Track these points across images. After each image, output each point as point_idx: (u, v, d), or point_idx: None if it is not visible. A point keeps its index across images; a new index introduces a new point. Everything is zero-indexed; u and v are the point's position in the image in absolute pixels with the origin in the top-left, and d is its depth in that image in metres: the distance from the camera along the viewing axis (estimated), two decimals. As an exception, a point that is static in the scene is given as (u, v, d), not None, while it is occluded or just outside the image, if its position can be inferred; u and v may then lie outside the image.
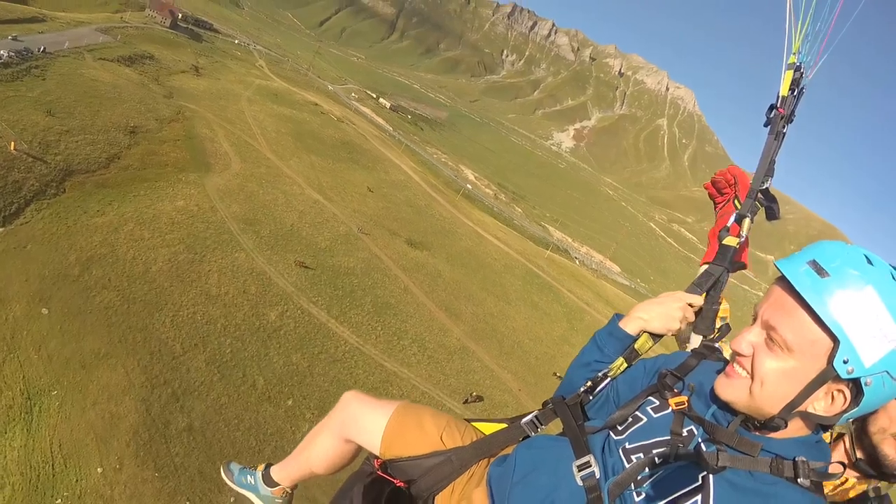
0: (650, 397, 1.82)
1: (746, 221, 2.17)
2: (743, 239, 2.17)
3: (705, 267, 2.19)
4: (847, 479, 2.02)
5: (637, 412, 1.79)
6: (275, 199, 58.86)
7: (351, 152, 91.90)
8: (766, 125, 2.22)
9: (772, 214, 2.26)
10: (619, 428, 1.78)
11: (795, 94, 2.19)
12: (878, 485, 2.01)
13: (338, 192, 72.40)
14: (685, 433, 1.63)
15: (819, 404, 1.45)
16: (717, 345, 2.03)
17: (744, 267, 2.22)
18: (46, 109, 51.55)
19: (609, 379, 1.99)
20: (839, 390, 1.41)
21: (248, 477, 2.93)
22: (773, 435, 1.52)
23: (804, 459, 1.43)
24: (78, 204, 43.04)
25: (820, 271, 1.37)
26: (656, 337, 2.02)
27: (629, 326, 2.03)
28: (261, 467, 2.91)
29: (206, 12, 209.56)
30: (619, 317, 2.09)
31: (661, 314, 2.01)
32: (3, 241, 35.83)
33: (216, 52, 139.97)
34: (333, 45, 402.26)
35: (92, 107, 57.88)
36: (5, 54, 57.39)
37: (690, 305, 2.03)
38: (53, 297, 32.78)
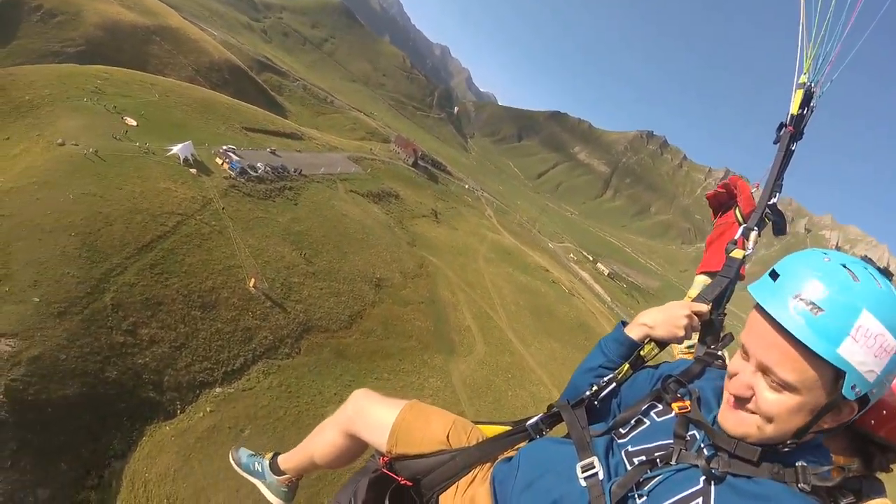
0: (654, 402, 1.84)
1: (753, 235, 2.28)
2: (749, 252, 2.25)
3: (702, 277, 2.34)
4: (854, 461, 1.98)
5: (641, 416, 1.82)
6: (523, 404, 49.02)
7: (587, 337, 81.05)
8: (775, 142, 2.34)
9: (779, 229, 2.37)
10: (623, 431, 1.80)
11: (805, 112, 2.32)
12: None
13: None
14: (688, 437, 1.66)
15: (827, 422, 1.48)
16: (720, 353, 2.05)
17: (741, 279, 2.27)
18: (294, 242, 48.78)
19: (614, 384, 2.01)
20: (847, 406, 1.45)
21: (256, 464, 3.04)
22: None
23: (804, 465, 1.47)
24: (313, 377, 36.90)
25: (812, 308, 1.36)
26: (661, 344, 2.05)
27: (634, 332, 2.07)
28: (269, 455, 3.03)
29: (439, 153, 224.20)
30: (624, 323, 2.12)
31: (665, 321, 2.03)
32: (216, 409, 30.08)
33: (451, 196, 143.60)
34: (549, 198, 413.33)
35: (340, 247, 55.13)
36: (262, 168, 57.07)
37: (696, 314, 2.05)
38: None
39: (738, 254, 2.22)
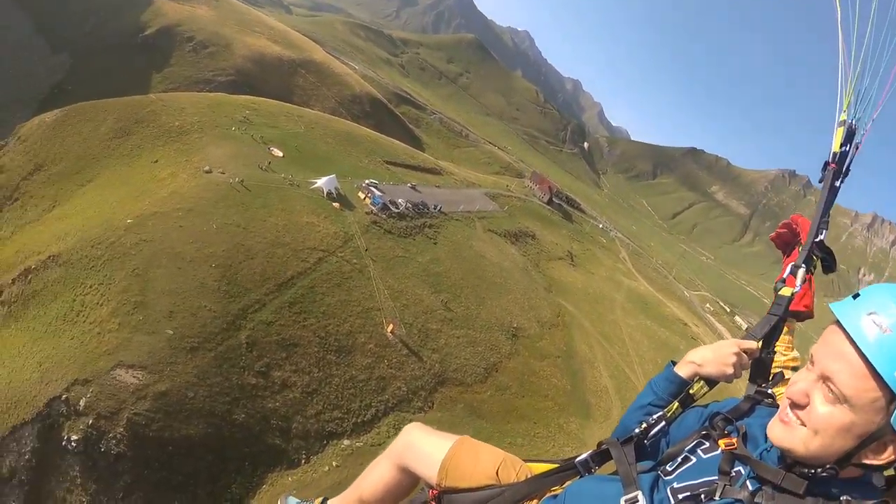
0: (701, 439, 1.86)
1: (801, 272, 2.28)
2: (798, 289, 2.24)
3: None
4: None
5: (687, 453, 1.84)
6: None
7: (732, 405, 72.45)
8: (819, 181, 2.39)
9: (828, 267, 2.37)
10: (669, 469, 1.82)
11: (848, 150, 2.32)
12: None
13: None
14: (733, 473, 1.67)
15: (875, 456, 1.49)
16: (769, 391, 2.08)
17: (811, 316, 2.33)
18: (433, 284, 46.78)
19: (663, 422, 2.01)
20: (892, 441, 1.46)
21: None
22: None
23: (849, 499, 1.47)
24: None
25: (882, 327, 1.39)
26: (711, 382, 2.07)
27: (683, 371, 2.10)
28: (318, 501, 2.98)
29: (571, 189, 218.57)
30: (674, 363, 2.16)
31: (715, 360, 2.06)
32: (342, 464, 28.34)
33: (585, 237, 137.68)
34: (684, 240, 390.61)
35: (478, 292, 52.61)
36: (403, 204, 56.09)
37: (745, 352, 2.08)
38: None
39: (786, 291, 2.22)
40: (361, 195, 53.11)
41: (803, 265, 2.29)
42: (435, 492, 2.18)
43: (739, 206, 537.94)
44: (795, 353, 2.46)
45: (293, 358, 31.49)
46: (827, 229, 2.33)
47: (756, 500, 1.51)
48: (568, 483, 2.00)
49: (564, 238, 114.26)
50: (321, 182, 48.03)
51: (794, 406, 1.53)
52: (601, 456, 2.01)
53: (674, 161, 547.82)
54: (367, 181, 57.64)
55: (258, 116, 60.63)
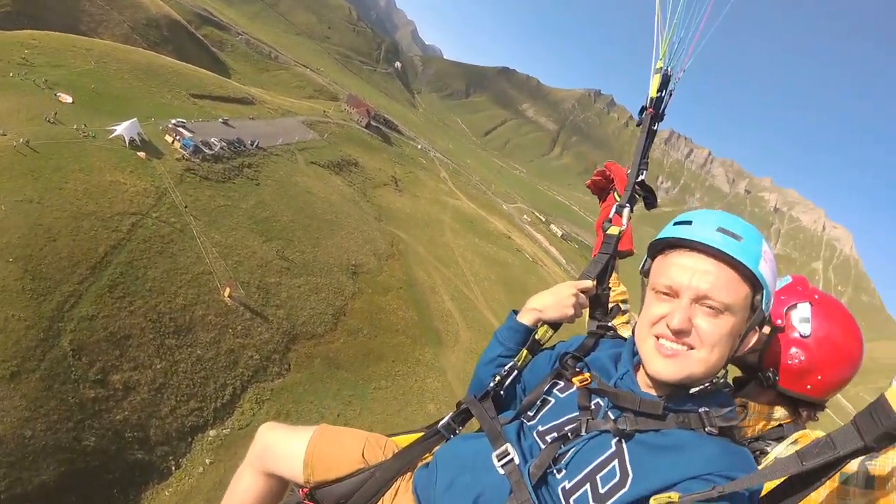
0: (555, 380, 1.89)
1: (626, 211, 2.38)
2: (624, 227, 2.34)
3: None
4: (776, 409, 2.24)
5: (545, 396, 1.86)
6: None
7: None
8: (638, 125, 2.49)
9: (650, 203, 2.48)
10: (531, 414, 1.84)
11: (664, 95, 2.46)
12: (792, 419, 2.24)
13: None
14: (592, 406, 1.72)
15: (742, 349, 1.64)
16: (609, 324, 2.16)
17: (631, 253, 2.41)
18: (263, 232, 44.41)
19: (516, 371, 2.05)
20: (755, 331, 1.64)
21: None
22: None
23: (707, 410, 1.58)
24: (310, 397, 33.64)
25: (735, 237, 1.56)
26: (555, 325, 2.11)
27: (526, 319, 2.12)
28: None
29: (387, 110, 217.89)
30: (515, 312, 2.18)
31: (555, 304, 2.09)
32: (216, 459, 26.68)
33: (406, 159, 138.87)
34: (497, 155, 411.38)
35: (311, 232, 51.23)
36: (218, 145, 51.91)
37: (583, 292, 2.14)
38: None
39: (613, 230, 2.33)
40: (169, 138, 47.61)
41: (627, 204, 2.39)
42: (305, 490, 2.09)
43: (549, 122, 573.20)
44: (623, 288, 2.61)
45: (129, 353, 27.72)
46: (647, 170, 2.43)
47: (620, 426, 1.57)
48: (436, 449, 2.00)
49: (387, 163, 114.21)
50: (121, 129, 41.97)
51: (680, 334, 1.56)
52: (462, 416, 2.01)
53: (487, 80, 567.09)
54: (173, 121, 51.72)
55: (40, 55, 50.88)
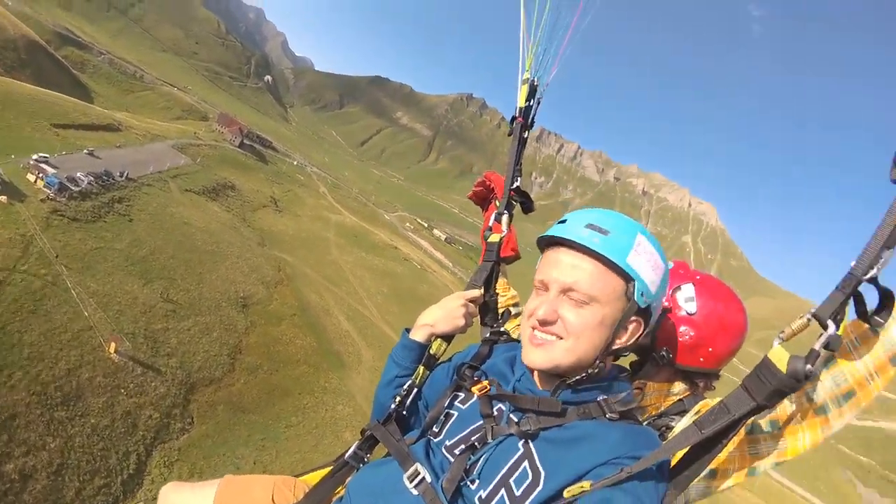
0: (455, 392, 1.90)
1: (504, 218, 2.45)
2: (504, 234, 2.41)
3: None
4: (674, 385, 2.34)
5: (447, 410, 1.86)
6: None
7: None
8: (509, 134, 2.60)
9: (527, 208, 2.53)
10: (436, 430, 1.83)
11: (532, 103, 2.57)
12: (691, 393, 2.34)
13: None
14: (495, 412, 1.74)
15: (621, 339, 1.67)
16: (502, 329, 2.20)
17: (517, 258, 2.50)
18: (142, 273, 42.20)
19: (415, 389, 2.05)
20: (635, 321, 1.66)
21: None
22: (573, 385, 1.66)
23: (605, 398, 1.63)
24: (221, 450, 32.47)
25: (601, 231, 1.61)
26: (448, 338, 2.12)
27: (418, 335, 2.12)
28: None
29: (260, 127, 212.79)
30: (408, 330, 2.18)
31: (444, 316, 2.12)
32: None
33: (283, 177, 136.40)
34: (374, 165, 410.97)
35: (192, 267, 49.54)
36: (85, 180, 48.90)
37: (471, 301, 2.18)
38: None
39: (494, 238, 2.41)
40: (31, 177, 44.28)
41: (505, 211, 2.48)
42: None
43: (423, 128, 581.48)
44: (514, 292, 2.67)
45: (18, 436, 25.17)
46: (521, 176, 2.52)
47: (523, 428, 1.62)
48: (348, 481, 1.97)
49: (264, 183, 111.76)
50: (-27, 170, 38.44)
51: (545, 324, 1.64)
52: (368, 442, 2.01)
53: (359, 90, 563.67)
54: (35, 156, 48.12)
55: None
